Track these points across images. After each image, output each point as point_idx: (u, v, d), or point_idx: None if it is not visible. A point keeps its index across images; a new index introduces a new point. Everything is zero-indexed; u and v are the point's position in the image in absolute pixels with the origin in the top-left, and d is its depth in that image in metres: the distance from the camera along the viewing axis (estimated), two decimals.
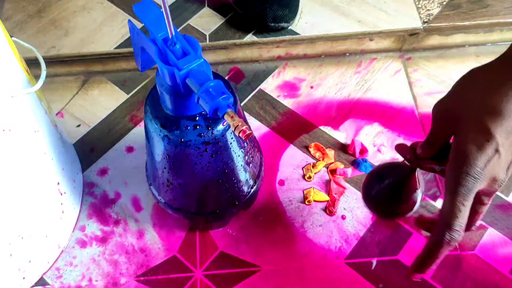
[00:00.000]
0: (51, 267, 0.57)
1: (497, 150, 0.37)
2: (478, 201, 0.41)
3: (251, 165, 0.52)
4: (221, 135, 0.45)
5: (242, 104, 0.68)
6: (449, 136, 0.40)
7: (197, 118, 0.44)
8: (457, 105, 0.39)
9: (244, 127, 0.36)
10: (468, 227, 0.40)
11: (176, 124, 0.44)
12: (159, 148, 0.46)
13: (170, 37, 0.38)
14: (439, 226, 0.38)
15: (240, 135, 0.36)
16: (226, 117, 0.37)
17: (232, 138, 0.46)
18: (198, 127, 0.44)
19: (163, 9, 0.36)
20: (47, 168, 0.51)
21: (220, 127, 0.44)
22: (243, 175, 0.51)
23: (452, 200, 0.37)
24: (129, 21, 0.42)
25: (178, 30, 0.73)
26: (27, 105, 0.47)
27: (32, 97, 0.49)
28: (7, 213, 0.47)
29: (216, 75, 0.47)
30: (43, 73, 0.44)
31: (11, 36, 0.48)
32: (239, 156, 0.49)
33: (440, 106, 0.41)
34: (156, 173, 0.51)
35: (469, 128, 0.37)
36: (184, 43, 0.39)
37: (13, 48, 0.47)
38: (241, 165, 0.50)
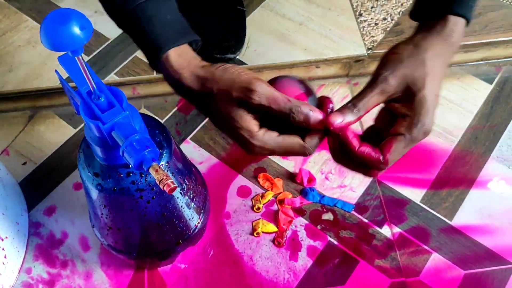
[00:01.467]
0: None
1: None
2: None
3: (194, 201, 0.52)
4: (155, 181, 0.45)
5: (191, 135, 0.69)
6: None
7: (130, 166, 0.44)
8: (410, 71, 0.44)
9: (168, 181, 0.36)
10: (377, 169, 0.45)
11: (108, 172, 0.44)
12: (94, 195, 0.46)
13: (92, 90, 0.38)
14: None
15: (165, 188, 0.37)
16: (151, 170, 0.37)
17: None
18: (131, 174, 0.44)
19: (80, 66, 0.36)
20: None
21: None
22: (186, 213, 0.51)
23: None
24: (57, 71, 0.42)
25: (125, 63, 0.73)
26: None
27: None
28: None
29: (150, 120, 0.47)
30: None
31: None
32: (178, 197, 0.49)
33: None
34: (96, 217, 0.51)
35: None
36: (109, 95, 0.39)
37: None
38: (181, 205, 0.50)
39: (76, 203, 0.63)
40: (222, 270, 0.59)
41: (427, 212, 0.63)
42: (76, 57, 0.34)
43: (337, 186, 0.65)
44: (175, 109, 0.71)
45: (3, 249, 0.54)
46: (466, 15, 0.45)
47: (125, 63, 0.74)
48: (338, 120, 0.42)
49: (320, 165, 0.66)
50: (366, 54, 0.74)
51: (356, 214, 0.63)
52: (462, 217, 0.62)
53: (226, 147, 0.68)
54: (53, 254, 0.60)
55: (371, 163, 0.43)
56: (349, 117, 0.43)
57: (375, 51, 0.74)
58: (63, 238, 0.61)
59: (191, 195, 0.51)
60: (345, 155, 0.44)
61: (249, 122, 0.43)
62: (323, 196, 0.64)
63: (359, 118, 0.43)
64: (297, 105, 0.42)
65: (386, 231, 0.62)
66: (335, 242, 0.61)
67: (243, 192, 0.65)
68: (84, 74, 0.36)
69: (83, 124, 0.69)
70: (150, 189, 0.45)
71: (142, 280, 0.59)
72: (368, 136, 0.48)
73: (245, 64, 0.73)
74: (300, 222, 0.62)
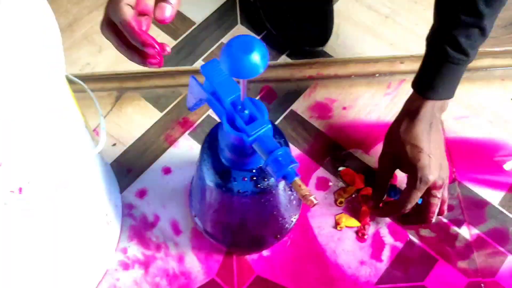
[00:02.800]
0: None
1: (429, 156, 0.56)
2: (430, 195, 0.57)
3: (295, 201, 0.54)
4: (276, 184, 0.46)
5: None
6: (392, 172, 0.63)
7: (254, 170, 0.45)
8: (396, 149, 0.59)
9: (312, 197, 0.38)
10: (426, 217, 0.59)
11: (234, 176, 0.45)
12: (213, 194, 0.48)
13: (241, 101, 0.39)
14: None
15: (308, 203, 0.38)
16: (294, 185, 0.39)
17: (284, 184, 0.48)
18: (254, 178, 0.45)
19: (240, 85, 0.37)
20: (99, 205, 0.53)
21: None
22: (288, 212, 0.53)
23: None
24: (194, 77, 0.42)
25: (212, 49, 0.73)
26: (86, 160, 0.48)
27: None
28: (56, 249, 0.49)
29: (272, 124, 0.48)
30: (103, 134, 0.44)
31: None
32: (287, 197, 0.51)
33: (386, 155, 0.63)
34: (204, 208, 0.53)
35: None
36: (252, 108, 0.40)
37: (73, 96, 0.47)
38: (287, 204, 0.52)
39: (166, 187, 0.65)
40: (307, 261, 0.62)
41: (505, 215, 0.65)
42: (241, 80, 0.35)
43: None
44: (258, 97, 0.71)
45: (107, 231, 0.57)
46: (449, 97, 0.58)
47: (212, 48, 0.74)
48: None
49: None
50: None
51: None
52: None
53: (308, 139, 0.69)
54: (147, 236, 0.62)
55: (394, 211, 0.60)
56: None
57: None
58: (155, 221, 0.63)
59: (295, 195, 0.53)
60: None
61: None
62: None
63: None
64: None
65: (464, 231, 0.64)
66: (416, 240, 0.63)
67: (323, 184, 0.66)
68: (242, 91, 0.37)
69: (169, 108, 0.70)
70: (270, 191, 0.47)
71: (231, 265, 0.61)
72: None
73: (331, 56, 0.73)
74: (382, 219, 0.64)
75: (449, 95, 0.57)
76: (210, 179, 0.46)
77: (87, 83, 0.70)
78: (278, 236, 0.56)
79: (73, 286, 0.55)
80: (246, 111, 0.40)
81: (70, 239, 0.50)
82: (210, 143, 0.47)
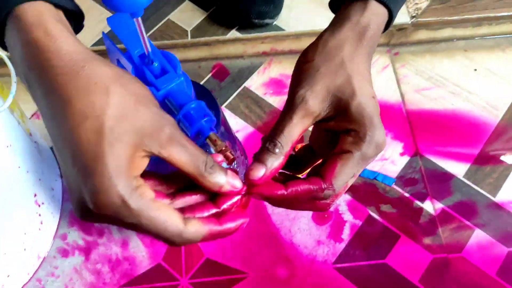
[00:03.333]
0: (31, 278, 0.55)
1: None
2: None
3: (238, 172, 0.51)
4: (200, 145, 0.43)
5: (226, 103, 0.66)
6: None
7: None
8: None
9: (227, 152, 0.35)
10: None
11: None
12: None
13: (146, 54, 0.36)
14: None
15: (225, 159, 0.35)
16: (208, 141, 0.35)
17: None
18: None
19: (138, 30, 0.33)
20: (22, 182, 0.49)
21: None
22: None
23: None
24: (104, 33, 0.39)
25: (158, 26, 0.70)
26: None
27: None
28: None
29: (199, 87, 0.45)
30: (13, 86, 0.41)
31: None
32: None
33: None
34: None
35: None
36: (162, 60, 0.37)
37: None
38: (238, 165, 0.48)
39: None
40: (260, 241, 0.58)
41: (470, 187, 0.61)
42: (135, 19, 0.32)
43: (378, 159, 0.63)
44: (209, 75, 0.68)
45: (39, 214, 0.53)
46: (389, 5, 0.37)
47: (158, 26, 0.70)
48: (260, 174, 0.32)
49: None
50: (409, 22, 0.70)
51: (397, 188, 0.61)
52: (506, 194, 0.61)
53: (261, 115, 0.65)
54: None
55: (314, 197, 0.34)
56: (273, 163, 0.32)
57: (419, 19, 0.71)
58: None
59: (234, 165, 0.50)
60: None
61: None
62: None
63: (285, 158, 0.33)
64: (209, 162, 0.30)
65: (428, 206, 0.60)
66: (376, 216, 0.59)
67: None
68: (141, 37, 0.34)
69: None
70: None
71: (179, 249, 0.57)
72: (302, 158, 0.39)
73: (283, 30, 0.70)
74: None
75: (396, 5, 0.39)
76: None
77: None
78: None
79: (5, 275, 0.51)
80: (156, 64, 0.36)
81: None
82: None
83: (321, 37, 0.36)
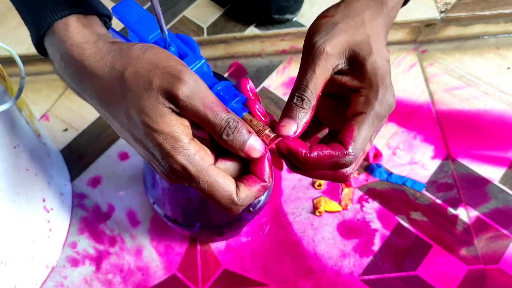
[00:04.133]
0: None
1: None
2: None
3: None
4: None
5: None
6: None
7: None
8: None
9: (267, 131, 0.31)
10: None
11: None
12: None
13: (163, 38, 0.33)
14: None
15: (264, 139, 0.31)
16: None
17: None
18: None
19: (154, 9, 0.30)
20: (30, 186, 0.46)
21: None
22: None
23: None
24: (112, 29, 0.36)
25: (172, 23, 0.67)
26: (2, 118, 0.41)
27: (9, 108, 0.43)
28: None
29: (217, 76, 0.41)
30: (22, 81, 0.38)
31: None
32: None
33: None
34: (158, 188, 0.46)
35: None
36: (180, 44, 0.34)
37: None
38: None
39: (123, 174, 0.58)
40: (281, 251, 0.54)
41: (507, 193, 0.57)
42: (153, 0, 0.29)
43: (406, 163, 0.59)
44: (226, 75, 0.65)
45: (48, 221, 0.50)
46: None
47: (173, 22, 0.67)
48: (293, 130, 0.31)
49: (387, 139, 0.60)
50: (438, 18, 0.66)
51: (427, 194, 0.57)
52: None
53: None
54: (100, 229, 0.55)
55: (335, 164, 0.33)
56: (302, 118, 0.32)
57: (448, 15, 0.67)
58: (110, 211, 0.56)
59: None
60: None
61: (174, 126, 0.29)
62: (390, 174, 0.58)
63: (313, 112, 0.32)
64: (235, 119, 0.30)
65: (462, 213, 0.56)
66: (406, 225, 0.55)
67: None
68: (159, 21, 0.31)
69: None
70: None
71: (195, 258, 0.54)
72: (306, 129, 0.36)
73: (304, 26, 0.66)
74: (366, 201, 0.57)
75: None
76: None
77: (35, 65, 0.65)
78: (242, 216, 0.48)
79: (12, 285, 0.48)
80: (173, 48, 0.33)
81: (1, 234, 0.43)
82: None
83: (343, 1, 0.36)
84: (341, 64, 0.33)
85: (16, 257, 0.47)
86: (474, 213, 0.56)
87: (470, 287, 0.52)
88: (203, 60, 0.33)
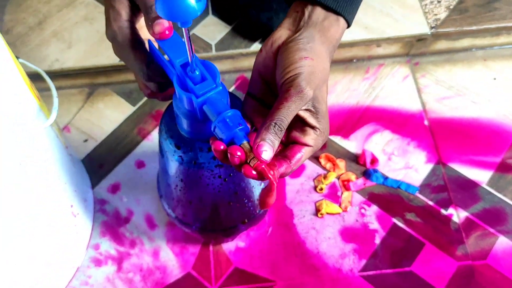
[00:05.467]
0: (66, 287, 0.57)
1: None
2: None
3: (263, 183, 0.52)
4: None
5: None
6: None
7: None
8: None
9: (256, 162, 0.36)
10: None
11: (190, 146, 0.43)
12: (172, 167, 0.46)
13: (190, 62, 0.37)
14: None
15: (252, 169, 0.36)
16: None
17: None
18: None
19: (184, 37, 0.35)
20: (61, 193, 0.50)
21: None
22: (255, 195, 0.51)
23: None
24: (150, 41, 0.41)
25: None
26: (38, 134, 0.46)
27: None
28: (22, 243, 0.47)
29: (233, 98, 0.46)
30: (56, 101, 0.43)
31: (17, 58, 0.47)
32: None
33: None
34: (168, 188, 0.50)
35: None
36: (203, 70, 0.38)
37: (22, 74, 0.46)
38: (253, 185, 0.50)
39: (140, 181, 0.63)
40: (286, 250, 0.59)
41: (494, 195, 0.62)
42: (184, 28, 0.34)
43: (401, 168, 0.64)
44: (233, 88, 0.70)
45: (75, 225, 0.55)
46: (349, 22, 0.42)
47: None
48: (271, 155, 0.36)
49: (382, 145, 0.65)
50: (429, 33, 0.72)
51: (421, 196, 0.62)
52: None
53: None
54: (120, 232, 0.60)
55: (281, 175, 0.39)
56: (277, 143, 0.36)
57: (438, 30, 0.72)
58: (129, 216, 0.61)
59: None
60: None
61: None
62: (386, 178, 0.63)
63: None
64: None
65: (452, 214, 0.61)
66: (401, 225, 0.60)
67: (305, 172, 0.64)
68: (187, 46, 0.35)
69: (142, 102, 0.69)
70: (229, 166, 0.44)
71: (208, 258, 0.59)
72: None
73: None
74: (364, 204, 0.61)
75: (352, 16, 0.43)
76: (167, 150, 0.44)
77: (56, 80, 0.70)
78: (246, 220, 0.53)
79: (41, 284, 0.53)
80: (197, 72, 0.38)
81: (31, 234, 0.48)
82: (169, 114, 0.45)
83: (306, 30, 0.41)
84: (309, 105, 0.39)
85: (48, 258, 0.51)
86: (463, 213, 0.61)
87: (460, 282, 0.57)
88: (220, 87, 0.38)
